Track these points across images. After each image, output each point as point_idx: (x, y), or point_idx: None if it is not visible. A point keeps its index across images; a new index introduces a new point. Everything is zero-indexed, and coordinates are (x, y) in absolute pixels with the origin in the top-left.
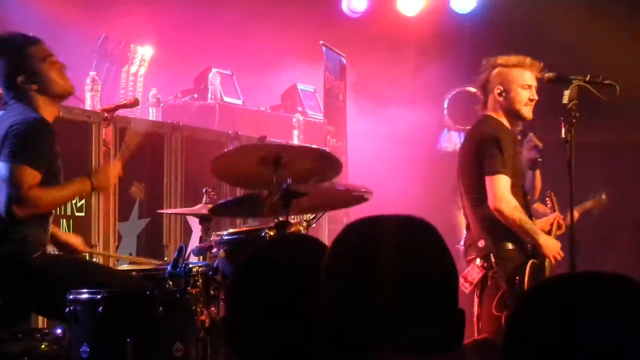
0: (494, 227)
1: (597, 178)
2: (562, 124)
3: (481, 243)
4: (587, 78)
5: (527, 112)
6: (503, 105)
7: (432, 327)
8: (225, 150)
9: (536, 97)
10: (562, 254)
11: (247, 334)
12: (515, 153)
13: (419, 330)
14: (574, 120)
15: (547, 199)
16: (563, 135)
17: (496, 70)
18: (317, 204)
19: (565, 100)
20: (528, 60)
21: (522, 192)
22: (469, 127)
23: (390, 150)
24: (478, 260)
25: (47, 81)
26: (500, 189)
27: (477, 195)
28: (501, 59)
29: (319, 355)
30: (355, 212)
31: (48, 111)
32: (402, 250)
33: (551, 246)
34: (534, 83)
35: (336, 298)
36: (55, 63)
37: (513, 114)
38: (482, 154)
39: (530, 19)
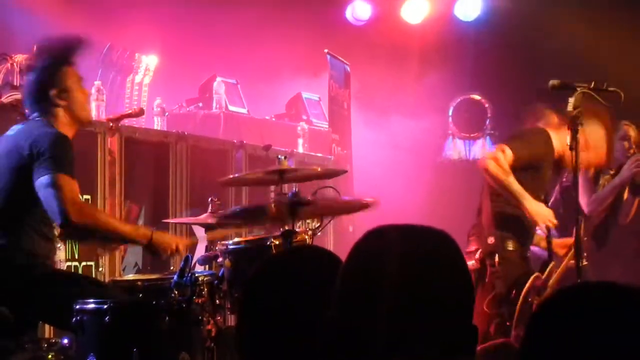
0: (503, 223)
1: None
2: (568, 131)
3: (490, 240)
4: (592, 85)
5: None
6: None
7: (444, 337)
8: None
9: None
10: (554, 221)
11: (257, 344)
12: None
13: (431, 340)
14: (578, 128)
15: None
16: (568, 142)
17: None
18: (322, 211)
19: (569, 107)
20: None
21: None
22: None
23: (396, 158)
24: (478, 254)
25: (77, 103)
26: (499, 155)
27: (493, 191)
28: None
29: None
30: (361, 221)
31: (66, 130)
32: (411, 261)
33: (541, 212)
34: None
35: (348, 308)
36: (85, 90)
37: None
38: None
39: (534, 27)
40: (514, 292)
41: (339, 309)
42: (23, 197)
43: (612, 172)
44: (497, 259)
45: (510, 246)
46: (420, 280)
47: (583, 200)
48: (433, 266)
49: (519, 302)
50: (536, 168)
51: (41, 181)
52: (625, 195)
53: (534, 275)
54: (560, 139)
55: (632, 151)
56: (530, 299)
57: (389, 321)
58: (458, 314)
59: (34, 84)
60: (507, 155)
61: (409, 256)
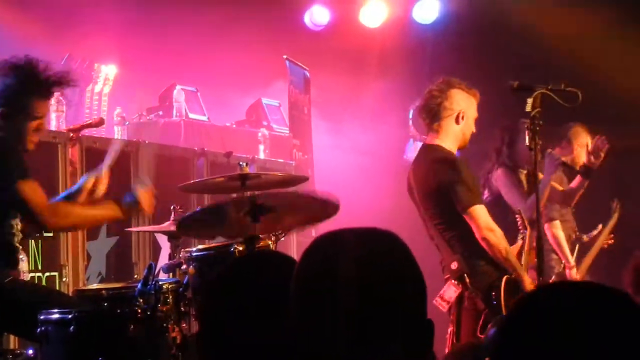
0: (464, 246)
1: (606, 184)
2: (527, 132)
3: (454, 265)
4: (550, 86)
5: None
6: (456, 131)
7: (403, 335)
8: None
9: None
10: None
11: (218, 349)
12: (473, 176)
13: (379, 344)
14: (537, 129)
15: (517, 215)
16: (527, 143)
17: (454, 92)
18: (286, 220)
19: (528, 108)
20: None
21: None
22: (416, 156)
23: (357, 162)
24: (454, 280)
25: (22, 133)
26: (483, 219)
27: (441, 220)
28: (456, 82)
29: None
30: (323, 225)
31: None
32: (358, 263)
33: (531, 282)
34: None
35: (301, 314)
36: (41, 129)
37: (462, 141)
38: (447, 189)
39: (492, 28)
40: (493, 294)
41: (296, 314)
42: None
43: (525, 171)
44: (467, 279)
45: (480, 259)
46: (376, 281)
47: (519, 206)
48: (387, 266)
49: (502, 308)
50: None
51: (5, 196)
52: (576, 182)
53: (505, 277)
54: None
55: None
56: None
57: (347, 324)
58: (414, 311)
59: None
60: (485, 212)
61: (363, 258)
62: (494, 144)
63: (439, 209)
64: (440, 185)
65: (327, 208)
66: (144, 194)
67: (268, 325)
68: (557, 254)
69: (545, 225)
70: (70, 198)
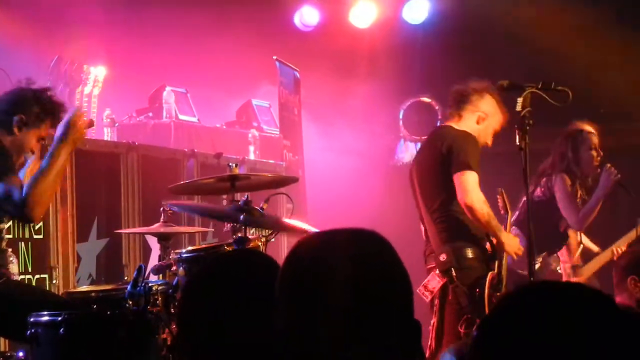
0: (453, 233)
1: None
2: (516, 131)
3: (442, 257)
4: (540, 85)
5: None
6: (474, 129)
7: (386, 339)
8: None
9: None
10: (522, 249)
11: (195, 350)
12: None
13: (372, 343)
14: (527, 128)
15: (498, 196)
16: (517, 142)
17: (487, 97)
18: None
19: (518, 107)
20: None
21: None
22: (426, 137)
23: (348, 163)
24: (438, 271)
25: (23, 145)
26: (471, 184)
27: (434, 200)
28: (496, 92)
29: None
30: (314, 226)
31: None
32: (352, 263)
33: (512, 243)
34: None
35: (287, 313)
36: (41, 145)
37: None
38: (451, 151)
39: (482, 28)
40: (477, 291)
41: (286, 313)
42: None
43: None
44: (454, 272)
45: (469, 253)
46: (370, 280)
47: (571, 218)
48: (379, 266)
49: (485, 305)
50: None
51: None
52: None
53: (490, 274)
54: None
55: (599, 159)
56: (493, 299)
57: (342, 322)
58: (404, 310)
59: (9, 100)
60: (475, 179)
61: (357, 257)
62: (560, 149)
63: (436, 185)
64: (447, 151)
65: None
66: (74, 117)
67: (242, 324)
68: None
69: None
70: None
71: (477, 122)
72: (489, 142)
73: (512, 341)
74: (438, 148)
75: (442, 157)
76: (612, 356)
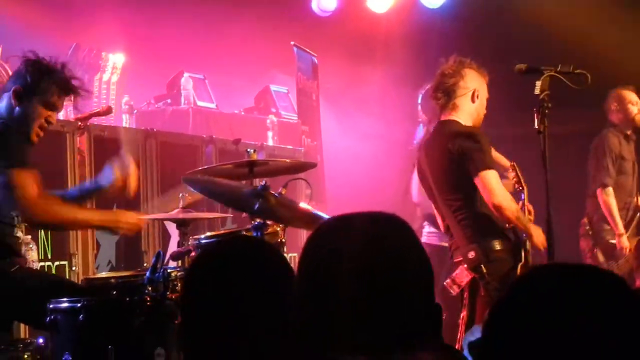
0: (479, 230)
1: None
2: (535, 114)
3: (471, 255)
4: (558, 68)
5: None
6: (472, 109)
7: (410, 320)
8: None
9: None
10: (545, 244)
11: (195, 337)
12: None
13: (396, 324)
14: (546, 111)
15: (510, 171)
16: (536, 126)
17: (468, 72)
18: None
19: (537, 91)
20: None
21: None
22: (433, 131)
23: (366, 148)
24: (467, 268)
25: (30, 119)
26: (494, 184)
27: (453, 201)
28: (467, 62)
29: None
30: (333, 211)
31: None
32: (371, 247)
33: (540, 234)
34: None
35: (305, 296)
36: (50, 122)
37: (477, 120)
38: (464, 152)
39: (501, 12)
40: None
41: (300, 296)
42: None
43: None
44: (484, 269)
45: (497, 246)
46: (381, 266)
47: None
48: (393, 251)
49: None
50: None
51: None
52: None
53: (520, 266)
54: None
55: None
56: None
57: (351, 308)
58: (419, 296)
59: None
60: (497, 177)
61: (369, 242)
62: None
63: (454, 184)
64: (459, 153)
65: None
66: (122, 176)
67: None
68: (608, 223)
69: (598, 191)
70: (78, 197)
71: (472, 101)
72: (485, 110)
73: (524, 323)
74: (449, 149)
75: (455, 158)
76: (627, 339)
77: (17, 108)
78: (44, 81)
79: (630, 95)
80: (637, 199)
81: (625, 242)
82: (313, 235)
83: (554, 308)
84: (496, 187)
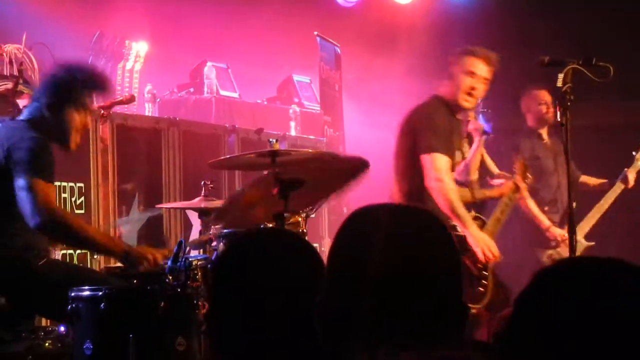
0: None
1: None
2: (557, 107)
3: None
4: (581, 61)
5: (464, 100)
6: (446, 89)
7: (433, 315)
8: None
9: (479, 87)
10: (495, 253)
11: (222, 328)
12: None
13: (420, 319)
14: (568, 104)
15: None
16: (558, 118)
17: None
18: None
19: (559, 83)
20: (483, 51)
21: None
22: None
23: (388, 138)
24: None
25: (67, 127)
26: (437, 168)
27: (403, 175)
28: (461, 48)
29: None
30: (355, 202)
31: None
32: (398, 241)
33: (481, 238)
34: (482, 74)
35: (332, 289)
36: (86, 127)
37: (453, 102)
38: (415, 131)
39: (525, 5)
40: None
41: (327, 288)
42: (11, 192)
43: None
44: None
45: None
46: (407, 259)
47: None
48: (420, 245)
49: None
50: None
51: (18, 184)
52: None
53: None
54: None
55: None
56: None
57: (377, 300)
58: (446, 291)
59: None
60: (443, 162)
61: (396, 235)
62: None
63: (405, 162)
64: (413, 131)
65: (354, 167)
66: (150, 256)
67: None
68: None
69: None
70: None
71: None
72: (482, 91)
73: (549, 317)
74: (407, 125)
75: (409, 134)
76: None
77: (53, 121)
78: (74, 90)
79: (539, 95)
80: (570, 191)
81: (556, 231)
82: (342, 226)
83: (581, 301)
84: (436, 171)
